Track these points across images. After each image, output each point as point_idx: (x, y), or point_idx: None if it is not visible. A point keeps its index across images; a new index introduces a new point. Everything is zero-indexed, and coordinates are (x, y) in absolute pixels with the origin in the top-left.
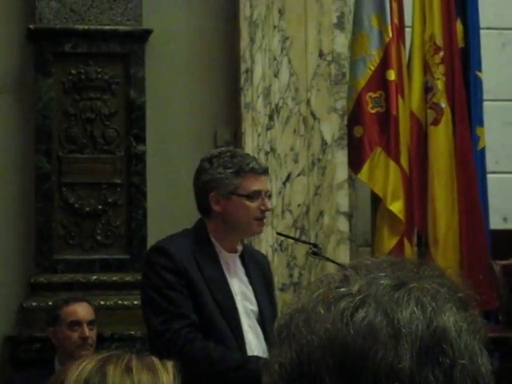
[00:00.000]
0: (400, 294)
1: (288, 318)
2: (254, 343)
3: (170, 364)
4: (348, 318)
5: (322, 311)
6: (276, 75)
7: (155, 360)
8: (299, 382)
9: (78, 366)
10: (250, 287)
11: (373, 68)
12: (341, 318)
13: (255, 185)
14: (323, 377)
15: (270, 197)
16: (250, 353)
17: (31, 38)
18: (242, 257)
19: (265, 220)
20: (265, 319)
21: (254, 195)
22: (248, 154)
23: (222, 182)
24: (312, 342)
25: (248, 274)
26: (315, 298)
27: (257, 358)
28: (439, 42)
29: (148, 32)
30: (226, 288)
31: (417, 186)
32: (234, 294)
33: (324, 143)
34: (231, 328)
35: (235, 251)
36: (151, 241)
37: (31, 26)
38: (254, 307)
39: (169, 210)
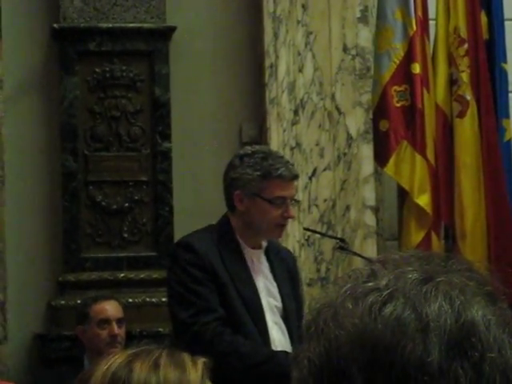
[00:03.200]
0: (428, 288)
1: (316, 313)
2: (279, 339)
3: (200, 361)
4: (376, 312)
5: (350, 306)
6: (300, 70)
7: (186, 356)
8: (328, 377)
9: (108, 361)
10: (274, 283)
11: (397, 61)
12: (369, 313)
13: (280, 191)
14: (352, 371)
15: (297, 202)
16: (274, 348)
17: (56, 37)
18: (266, 253)
19: (285, 226)
20: (289, 315)
21: (277, 201)
22: (281, 158)
23: (248, 182)
24: (340, 336)
25: (272, 271)
26: (343, 293)
27: (285, 352)
28: (464, 34)
29: (172, 29)
30: (250, 284)
31: (443, 179)
32: (258, 290)
33: (349, 137)
34: (256, 323)
35: (259, 247)
36: (178, 238)
37: (55, 26)
38: (279, 303)
39: (195, 207)
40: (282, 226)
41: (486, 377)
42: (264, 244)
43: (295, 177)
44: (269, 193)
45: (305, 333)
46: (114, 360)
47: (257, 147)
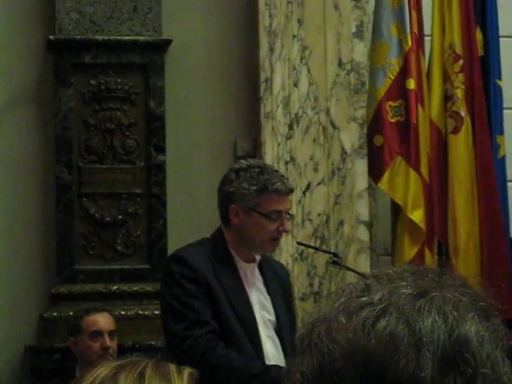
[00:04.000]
0: (421, 304)
1: (310, 327)
2: (272, 353)
3: (186, 371)
4: (370, 327)
5: (344, 320)
6: (295, 84)
7: (172, 367)
8: None
9: (93, 373)
10: (267, 297)
11: (392, 77)
12: (362, 327)
13: (276, 205)
14: None
15: (290, 216)
16: (267, 362)
17: (51, 49)
18: (260, 266)
19: (280, 240)
20: (282, 329)
21: (273, 215)
22: (277, 172)
23: (245, 196)
24: (334, 351)
25: (266, 284)
26: (337, 307)
27: (277, 367)
28: (459, 50)
29: (167, 42)
30: (243, 297)
31: (437, 195)
32: (251, 303)
33: (344, 152)
34: (249, 337)
35: (253, 261)
36: (171, 251)
37: (51, 37)
38: (272, 317)
39: (189, 220)
40: (276, 240)
41: None
42: (257, 258)
43: (291, 191)
44: (265, 207)
45: (298, 346)
46: (100, 372)
47: (252, 161)
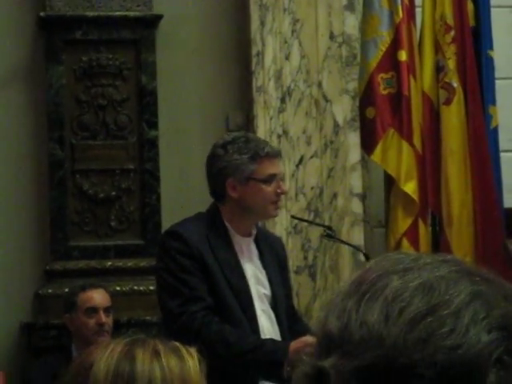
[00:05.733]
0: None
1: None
2: (267, 327)
3: (193, 349)
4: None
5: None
6: (287, 58)
7: (179, 345)
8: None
9: (106, 350)
10: (263, 271)
11: (384, 49)
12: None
13: (271, 168)
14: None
15: (283, 180)
16: (262, 336)
17: (42, 26)
18: (256, 240)
19: (280, 203)
20: (277, 303)
21: (270, 179)
22: (260, 138)
23: (239, 167)
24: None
25: (262, 258)
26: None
27: (272, 340)
28: (450, 21)
29: (158, 17)
30: (239, 272)
31: (430, 166)
32: (247, 277)
33: (336, 125)
34: (245, 311)
35: (249, 235)
36: (165, 226)
37: (42, 14)
38: (267, 291)
39: (182, 195)
40: (276, 203)
41: None
42: (254, 232)
43: (279, 153)
44: (261, 173)
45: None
46: (112, 349)
47: (234, 133)
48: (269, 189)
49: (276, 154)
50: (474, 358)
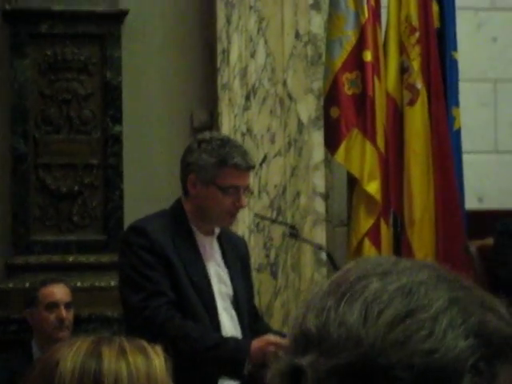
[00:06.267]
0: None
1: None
2: (228, 325)
3: (158, 347)
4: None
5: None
6: (252, 56)
7: (144, 343)
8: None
9: (71, 348)
10: (225, 270)
11: (349, 49)
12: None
13: (234, 180)
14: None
15: (250, 193)
16: (223, 334)
17: (7, 19)
18: (218, 239)
19: (236, 215)
20: (239, 302)
21: (230, 190)
22: (239, 147)
23: (203, 168)
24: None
25: (224, 257)
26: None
27: (234, 339)
28: (415, 22)
29: (124, 13)
30: (201, 269)
31: (393, 167)
32: (209, 276)
33: (300, 124)
34: (206, 309)
35: (212, 233)
36: (128, 222)
37: (7, 7)
38: (229, 290)
39: (145, 191)
40: (232, 215)
41: None
42: (216, 230)
43: (251, 167)
44: (222, 181)
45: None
46: (78, 347)
47: (216, 134)
48: (226, 199)
49: (246, 168)
50: (451, 362)
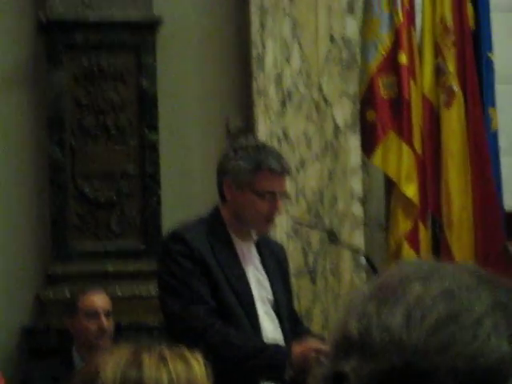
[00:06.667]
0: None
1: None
2: (270, 329)
3: (198, 354)
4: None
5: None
6: (287, 61)
7: (184, 350)
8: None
9: (112, 357)
10: (265, 275)
11: (384, 52)
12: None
13: (270, 185)
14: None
15: (286, 197)
16: (265, 339)
17: (42, 30)
18: (257, 244)
19: (273, 221)
20: (279, 306)
21: (266, 195)
22: (274, 152)
23: (239, 173)
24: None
25: (263, 262)
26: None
27: (276, 345)
28: (450, 24)
29: (159, 21)
30: (241, 275)
31: (430, 169)
32: (249, 280)
33: (336, 128)
34: (247, 314)
35: (250, 239)
36: (166, 229)
37: (42, 18)
38: (269, 295)
39: (183, 199)
40: (269, 220)
41: None
42: (254, 236)
43: (286, 172)
44: (258, 186)
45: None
46: (119, 356)
47: (251, 141)
48: (263, 204)
49: (281, 172)
50: (495, 366)
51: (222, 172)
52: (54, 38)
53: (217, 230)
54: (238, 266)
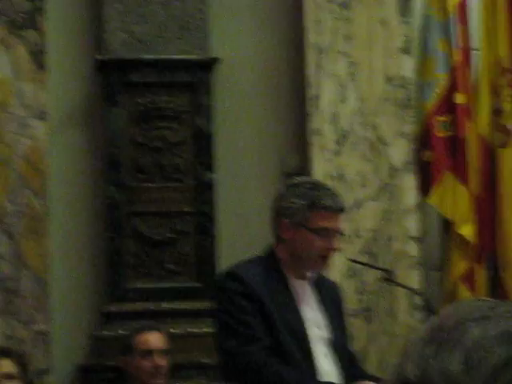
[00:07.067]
0: None
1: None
2: (326, 370)
3: None
4: None
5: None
6: (343, 101)
7: None
8: None
9: None
10: (320, 314)
11: (440, 92)
12: None
13: (325, 222)
14: None
15: (341, 235)
16: (321, 379)
17: (99, 69)
18: (313, 284)
19: (329, 259)
20: (336, 346)
21: (322, 232)
22: (329, 190)
23: (294, 211)
24: None
25: (319, 301)
26: None
27: (331, 383)
28: (506, 64)
29: (215, 60)
30: (296, 314)
31: (486, 209)
32: (304, 320)
33: (392, 168)
34: (303, 354)
35: (305, 278)
36: (221, 268)
37: (99, 57)
38: (326, 334)
39: (238, 238)
40: (325, 258)
41: None
42: (310, 275)
43: (341, 209)
44: (314, 223)
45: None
46: None
47: (305, 178)
48: (318, 242)
49: (336, 210)
50: None
51: (277, 212)
52: (111, 77)
53: (272, 268)
54: (294, 306)
